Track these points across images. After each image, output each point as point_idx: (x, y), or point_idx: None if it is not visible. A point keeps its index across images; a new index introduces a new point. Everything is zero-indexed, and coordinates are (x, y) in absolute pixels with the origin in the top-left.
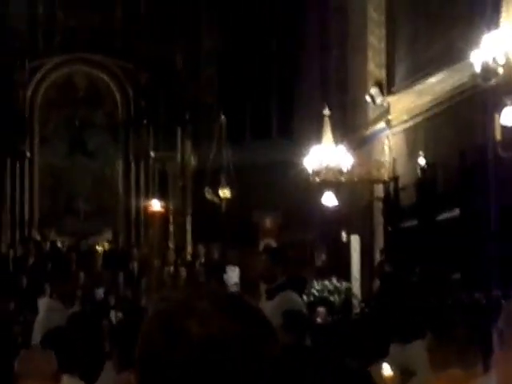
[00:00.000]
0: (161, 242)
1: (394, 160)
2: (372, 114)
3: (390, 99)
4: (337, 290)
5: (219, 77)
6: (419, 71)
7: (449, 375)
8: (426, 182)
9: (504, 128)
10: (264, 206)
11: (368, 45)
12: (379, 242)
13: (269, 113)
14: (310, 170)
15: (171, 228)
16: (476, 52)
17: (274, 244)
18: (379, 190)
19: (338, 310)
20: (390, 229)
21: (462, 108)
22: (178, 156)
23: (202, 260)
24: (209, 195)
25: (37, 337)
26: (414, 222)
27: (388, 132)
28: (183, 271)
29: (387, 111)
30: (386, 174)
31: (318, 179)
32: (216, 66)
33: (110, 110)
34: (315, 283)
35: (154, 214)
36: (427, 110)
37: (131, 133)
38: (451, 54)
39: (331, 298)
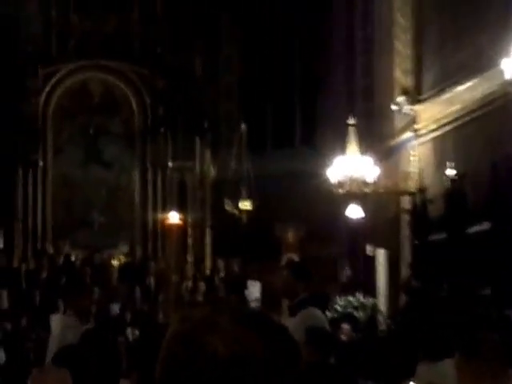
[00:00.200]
0: (179, 255)
1: (422, 171)
2: (399, 123)
3: (418, 108)
4: (362, 306)
5: (239, 83)
6: (447, 79)
7: None
8: (455, 193)
9: None
10: (286, 218)
11: (394, 51)
12: (406, 256)
13: (291, 121)
14: (333, 181)
15: (189, 241)
16: (507, 59)
17: (296, 258)
18: (406, 202)
19: (363, 327)
20: (417, 242)
21: (493, 117)
22: (197, 166)
23: (222, 274)
24: (228, 207)
25: (51, 355)
26: (443, 235)
27: (415, 142)
28: (202, 286)
29: (414, 120)
30: (413, 186)
31: (342, 191)
32: (236, 71)
33: (126, 117)
34: (339, 299)
35: (171, 226)
36: (456, 119)
37: (148, 141)
38: (481, 60)
39: (356, 314)
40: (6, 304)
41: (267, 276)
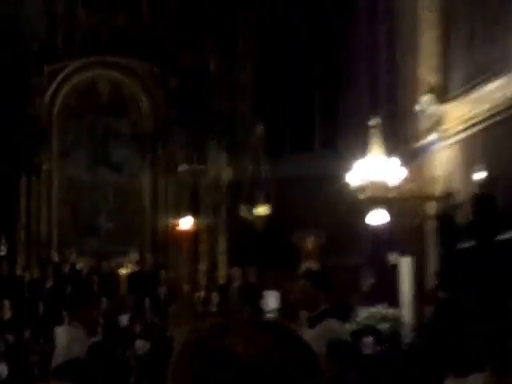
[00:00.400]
0: (191, 264)
1: (449, 174)
2: (424, 124)
3: (444, 108)
4: (385, 318)
5: (256, 84)
6: (476, 76)
7: None
8: (484, 198)
9: None
10: (305, 224)
11: (420, 48)
12: (432, 264)
13: (311, 123)
14: (354, 186)
15: (202, 249)
16: None
17: (315, 267)
18: (432, 208)
19: (386, 340)
20: (444, 250)
21: None
22: (211, 169)
23: (237, 284)
24: (244, 213)
25: None
26: (471, 243)
27: (442, 144)
28: (215, 296)
29: (441, 121)
30: (439, 190)
31: (363, 196)
32: (252, 71)
33: (135, 118)
34: (361, 310)
35: (183, 233)
36: (485, 120)
37: (159, 144)
38: (511, 58)
39: (379, 327)
40: (8, 314)
41: (285, 286)
